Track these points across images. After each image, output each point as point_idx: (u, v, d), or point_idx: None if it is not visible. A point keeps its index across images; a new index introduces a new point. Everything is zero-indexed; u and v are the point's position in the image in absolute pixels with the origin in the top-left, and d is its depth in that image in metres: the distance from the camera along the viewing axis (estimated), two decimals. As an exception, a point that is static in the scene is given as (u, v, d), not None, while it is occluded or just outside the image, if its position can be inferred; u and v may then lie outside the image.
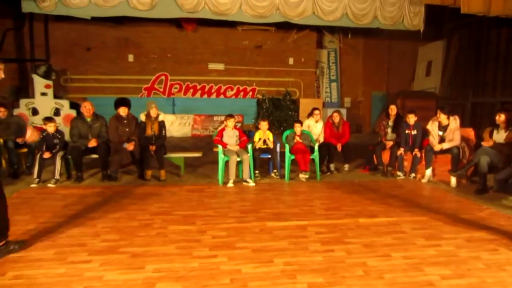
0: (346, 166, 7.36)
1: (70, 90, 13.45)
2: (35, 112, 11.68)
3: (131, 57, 13.74)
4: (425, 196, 5.70)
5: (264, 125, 6.74)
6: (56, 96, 12.16)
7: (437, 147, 6.50)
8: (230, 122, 6.55)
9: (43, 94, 11.78)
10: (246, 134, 6.97)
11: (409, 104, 12.86)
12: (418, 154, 6.70)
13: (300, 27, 13.12)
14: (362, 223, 4.34)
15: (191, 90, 13.99)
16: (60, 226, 4.16)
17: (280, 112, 13.13)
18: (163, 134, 6.69)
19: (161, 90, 13.88)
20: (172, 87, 13.92)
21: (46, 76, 11.75)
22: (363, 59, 15.37)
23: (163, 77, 13.85)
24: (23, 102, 11.71)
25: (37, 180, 6.11)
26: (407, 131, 6.86)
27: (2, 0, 9.37)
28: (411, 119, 6.82)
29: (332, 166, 7.27)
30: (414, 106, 12.50)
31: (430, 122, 6.81)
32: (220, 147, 6.42)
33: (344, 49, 15.18)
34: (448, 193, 5.89)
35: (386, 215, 4.64)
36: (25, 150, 6.92)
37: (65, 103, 11.94)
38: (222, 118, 13.36)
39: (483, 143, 5.96)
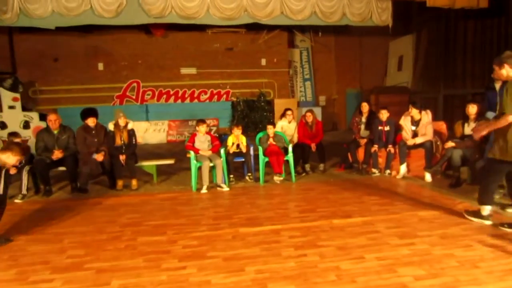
0: (321, 166, 7.34)
1: (39, 102, 13.06)
2: (3, 126, 11.32)
3: (101, 66, 13.45)
4: (400, 192, 5.70)
5: (237, 130, 6.65)
6: (25, 109, 11.82)
7: (410, 142, 6.55)
8: (202, 128, 6.45)
9: (11, 107, 11.44)
10: (219, 139, 6.87)
11: (382, 100, 13.01)
12: (392, 150, 6.73)
13: (271, 28, 13.12)
14: (336, 224, 4.30)
15: (164, 96, 13.79)
16: (24, 244, 3.97)
17: (255, 114, 13.08)
18: (133, 142, 6.53)
19: (134, 97, 13.63)
20: (144, 93, 13.69)
21: (12, 89, 11.40)
22: (335, 56, 15.48)
23: (135, 84, 13.61)
24: (-9, 116, 11.33)
25: (1, 197, 5.83)
26: (380, 128, 6.89)
27: None
28: (384, 115, 6.86)
29: (307, 166, 7.24)
30: (388, 101, 12.70)
31: (403, 117, 6.86)
32: (192, 153, 6.29)
33: (316, 48, 15.25)
34: (422, 188, 5.91)
35: (360, 214, 4.62)
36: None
37: (35, 115, 11.61)
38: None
39: (449, 143, 5.99)
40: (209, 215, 4.78)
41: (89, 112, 6.33)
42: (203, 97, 14.02)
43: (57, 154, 6.06)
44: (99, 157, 6.14)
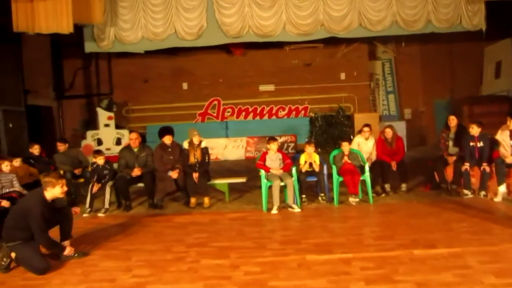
0: (404, 186, 6.70)
1: (131, 120, 14.15)
2: (99, 142, 12.46)
3: (185, 85, 14.19)
4: (498, 219, 4.89)
5: (309, 148, 6.38)
6: (118, 127, 12.91)
7: (510, 159, 5.67)
8: (273, 145, 6.29)
9: (106, 125, 12.57)
10: (291, 157, 6.66)
11: (478, 110, 11.69)
12: (487, 169, 5.89)
13: (349, 41, 12.67)
14: (417, 255, 3.79)
15: (243, 113, 14.03)
16: (97, 258, 4.16)
17: (334, 129, 12.60)
18: (206, 160, 6.61)
19: (214, 114, 14.09)
20: (224, 111, 14.08)
21: (108, 108, 12.54)
22: (421, 66, 14.38)
23: (215, 102, 14.07)
24: (89, 133, 12.59)
25: (88, 209, 6.30)
26: (471, 144, 6.10)
27: (72, 44, 10.33)
28: (474, 130, 6.05)
29: (387, 186, 6.67)
30: (484, 112, 11.38)
31: (500, 132, 6.01)
32: (262, 171, 6.17)
33: (399, 58, 14.34)
34: None
35: (447, 244, 4.02)
36: (82, 180, 7.24)
37: (125, 133, 12.55)
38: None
39: None
40: (276, 239, 4.57)
41: (166, 131, 6.58)
42: (281, 113, 13.97)
43: (136, 172, 6.38)
44: (173, 174, 6.33)
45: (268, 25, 9.65)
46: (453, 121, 6.51)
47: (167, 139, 6.52)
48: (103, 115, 12.45)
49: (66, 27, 8.09)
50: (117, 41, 9.97)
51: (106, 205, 6.33)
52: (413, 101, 14.59)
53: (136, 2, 9.55)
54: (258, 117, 13.95)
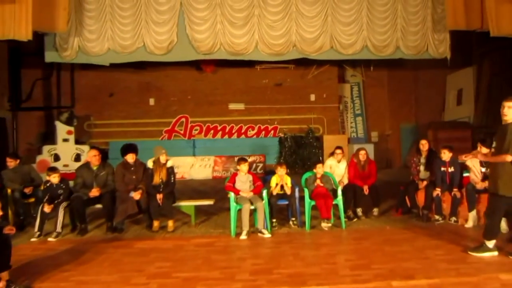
0: (376, 210, 6.58)
1: (93, 135, 13.47)
2: (57, 158, 11.68)
3: (152, 101, 13.74)
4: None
5: (281, 170, 6.14)
6: (79, 142, 12.20)
7: (481, 185, 5.67)
8: (244, 166, 6.01)
9: (65, 140, 11.84)
10: (261, 179, 6.39)
11: (442, 135, 11.99)
12: (458, 194, 5.87)
13: (320, 62, 12.73)
14: (396, 287, 3.58)
15: (212, 131, 13.71)
16: (43, 294, 3.67)
17: (304, 150, 12.53)
18: (172, 181, 6.22)
19: (182, 132, 13.68)
20: (192, 128, 13.70)
21: (68, 122, 11.85)
22: (388, 91, 14.72)
23: (183, 119, 13.68)
24: (45, 148, 11.79)
25: (37, 233, 5.73)
26: (443, 169, 6.08)
27: (32, 52, 9.70)
28: (446, 155, 6.05)
29: (359, 211, 6.52)
30: (447, 137, 11.67)
31: (470, 156, 6.02)
32: (232, 194, 5.86)
33: (367, 82, 14.61)
34: (501, 242, 4.83)
35: (425, 275, 3.85)
36: (32, 199, 6.63)
37: (86, 148, 11.84)
38: (244, 158, 12.90)
39: None
40: (246, 268, 4.24)
41: (129, 148, 6.15)
42: (251, 132, 13.76)
43: (94, 192, 5.91)
44: (136, 195, 5.89)
45: (240, 43, 9.50)
46: (425, 145, 6.49)
47: (130, 157, 6.09)
48: (62, 129, 11.73)
49: (24, 34, 7.55)
50: (81, 52, 9.46)
51: (58, 229, 5.76)
52: (380, 124, 14.83)
53: (104, 12, 9.14)
54: (226, 136, 13.67)
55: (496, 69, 12.16)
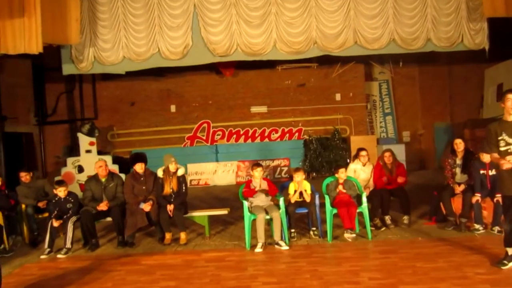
0: (406, 218, 5.95)
1: (116, 145, 13.46)
2: (80, 169, 11.67)
3: (173, 108, 13.55)
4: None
5: (298, 175, 5.66)
6: (102, 152, 12.20)
7: None
8: (257, 172, 5.57)
9: (88, 151, 11.80)
10: (279, 186, 5.94)
11: (480, 134, 11.04)
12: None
13: (345, 60, 12.12)
14: (427, 315, 3.04)
15: (234, 136, 13.33)
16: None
17: (330, 153, 11.93)
18: (183, 190, 5.88)
19: (204, 138, 13.39)
20: (214, 134, 13.39)
21: (90, 133, 11.82)
22: (420, 88, 13.84)
23: (205, 125, 13.40)
24: (69, 160, 11.81)
25: (47, 250, 5.52)
26: (482, 171, 5.40)
27: (55, 67, 9.78)
28: (486, 156, 5.36)
29: (387, 218, 5.92)
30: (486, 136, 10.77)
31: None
32: (245, 203, 5.44)
33: (397, 79, 13.81)
34: None
35: (465, 298, 3.27)
36: (46, 214, 6.46)
37: (108, 159, 11.75)
38: (268, 162, 12.49)
39: None
40: (256, 288, 3.80)
41: (137, 158, 5.88)
42: (274, 136, 13.29)
43: (101, 206, 5.66)
44: (146, 207, 5.59)
45: (257, 43, 9.11)
46: (459, 145, 5.80)
47: (139, 167, 5.80)
48: (84, 140, 11.69)
49: (35, 47, 7.46)
50: (97, 62, 9.40)
51: (68, 245, 5.52)
52: (412, 124, 13.98)
53: (117, 21, 9.01)
54: (249, 140, 13.25)
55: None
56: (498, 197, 5.16)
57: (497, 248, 4.53)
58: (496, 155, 4.02)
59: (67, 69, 9.59)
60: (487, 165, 5.38)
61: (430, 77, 13.72)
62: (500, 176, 4.12)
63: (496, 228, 5.21)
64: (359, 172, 6.20)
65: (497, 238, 5.02)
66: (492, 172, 5.34)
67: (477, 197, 5.31)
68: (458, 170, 5.80)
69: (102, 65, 9.49)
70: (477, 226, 5.31)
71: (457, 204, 5.60)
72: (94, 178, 5.96)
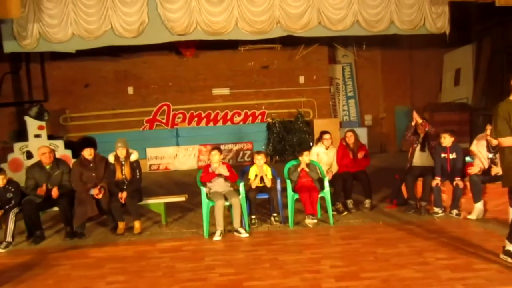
0: (367, 202, 5.88)
1: (70, 129, 12.67)
2: (29, 155, 10.87)
3: (130, 90, 12.87)
4: (479, 248, 4.02)
5: (259, 159, 5.42)
6: (53, 137, 11.44)
7: (494, 171, 4.98)
8: (215, 156, 5.28)
9: (37, 136, 11.00)
10: (240, 170, 5.69)
11: (438, 118, 11.34)
12: (461, 184, 5.19)
13: (309, 42, 11.94)
14: (389, 305, 2.92)
15: (196, 119, 12.89)
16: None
17: (293, 136, 11.81)
18: (137, 177, 5.50)
19: (164, 121, 12.87)
20: (175, 117, 12.88)
21: (38, 117, 10.99)
22: (382, 71, 13.93)
23: (165, 108, 12.85)
24: (17, 146, 10.97)
25: (-14, 244, 5.02)
26: (443, 155, 5.39)
27: None
28: (446, 140, 5.35)
29: (349, 202, 5.84)
30: (445, 120, 11.02)
31: (475, 142, 5.36)
32: (203, 189, 5.16)
33: (360, 63, 13.80)
34: None
35: (426, 286, 3.19)
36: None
37: (60, 144, 11.08)
38: (230, 146, 12.22)
39: None
40: (212, 280, 3.56)
41: (85, 143, 5.43)
42: (237, 119, 12.98)
43: (41, 191, 5.15)
44: (95, 191, 5.17)
45: (218, 22, 8.70)
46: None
47: (87, 153, 5.35)
48: (32, 124, 10.84)
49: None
50: (43, 39, 8.69)
51: (8, 238, 5.02)
52: (374, 107, 14.09)
53: (64, -6, 8.31)
54: (211, 123, 12.88)
55: (498, 46, 11.43)
56: (457, 180, 5.20)
57: (456, 232, 4.56)
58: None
59: (9, 46, 8.82)
60: (448, 149, 5.37)
61: (391, 61, 13.81)
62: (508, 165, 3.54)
63: (455, 211, 5.24)
64: (322, 155, 6.04)
65: (455, 221, 5.07)
66: (452, 156, 5.34)
67: (437, 180, 5.30)
68: (418, 147, 5.78)
69: (49, 42, 8.80)
70: (436, 209, 5.31)
71: (417, 187, 5.59)
72: (37, 165, 5.44)
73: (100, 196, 5.22)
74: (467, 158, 5.51)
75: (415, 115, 5.87)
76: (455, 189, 5.20)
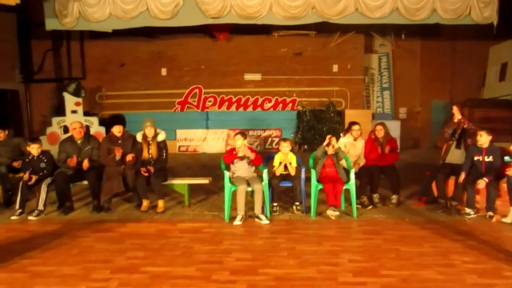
0: (394, 198, 5.69)
1: (105, 107, 13.03)
2: (66, 130, 11.29)
3: (164, 71, 13.06)
4: (511, 253, 3.80)
5: (285, 146, 5.35)
6: (89, 114, 11.84)
7: None
8: (239, 141, 5.24)
9: (74, 111, 11.44)
10: (265, 157, 5.63)
11: (478, 114, 10.77)
12: (482, 184, 4.88)
13: (344, 29, 11.59)
14: (406, 305, 2.81)
15: (226, 103, 12.92)
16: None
17: (323, 126, 11.60)
18: (163, 157, 5.57)
19: (195, 104, 12.98)
20: (206, 100, 12.97)
21: (75, 93, 11.41)
22: (421, 63, 13.38)
23: (196, 90, 12.95)
24: (55, 120, 11.47)
25: (19, 211, 5.27)
26: (477, 158, 5.10)
27: (41, 22, 9.23)
28: (483, 137, 5.05)
29: (375, 197, 5.67)
30: (485, 116, 10.47)
31: (515, 142, 5.03)
32: (226, 173, 5.15)
33: (397, 53, 13.31)
34: None
35: (447, 288, 3.04)
36: (21, 175, 6.15)
37: (94, 120, 11.46)
38: (259, 132, 12.19)
39: None
40: (228, 265, 3.56)
41: (115, 120, 5.53)
42: (267, 105, 12.89)
43: (71, 161, 5.32)
44: (128, 157, 5.30)
45: (252, 6, 8.60)
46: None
47: (117, 130, 5.48)
48: (70, 100, 11.29)
49: (11, -2, 6.94)
50: (82, 18, 8.95)
51: (40, 207, 5.26)
52: (409, 100, 13.60)
53: (104, -26, 8.44)
54: (241, 109, 12.86)
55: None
56: (486, 180, 4.90)
57: (488, 235, 4.33)
58: None
59: (51, 24, 9.14)
60: (484, 150, 5.08)
61: (432, 53, 13.23)
62: None
63: (488, 214, 4.97)
64: (350, 147, 5.88)
65: (488, 224, 4.82)
66: (488, 159, 5.04)
67: (463, 176, 5.03)
68: (453, 145, 5.52)
69: (87, 21, 9.05)
70: (468, 210, 5.06)
71: (449, 186, 5.34)
72: (69, 139, 5.62)
73: (130, 158, 5.31)
74: (507, 158, 5.18)
75: (456, 110, 5.53)
76: (488, 190, 4.92)
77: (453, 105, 5.77)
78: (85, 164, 5.37)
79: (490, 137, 5.05)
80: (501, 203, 4.94)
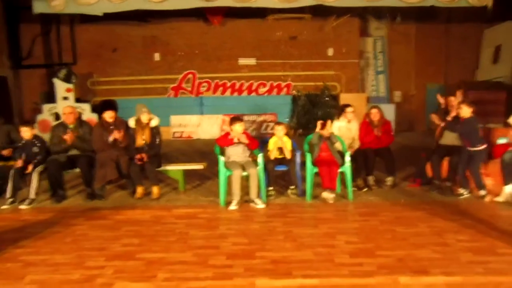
0: (389, 180, 5.69)
1: (97, 93, 12.83)
2: (57, 117, 11.14)
3: (157, 56, 12.83)
4: (504, 232, 3.81)
5: (279, 129, 5.31)
6: (81, 100, 11.65)
7: None
8: (239, 126, 5.19)
9: (65, 98, 11.24)
10: (260, 141, 5.59)
11: (472, 96, 10.73)
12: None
13: (340, 13, 11.43)
14: (404, 284, 2.81)
15: (221, 88, 12.79)
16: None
17: (318, 110, 11.54)
18: (157, 143, 5.51)
19: (189, 89, 12.84)
20: (200, 85, 12.82)
21: (66, 79, 11.20)
22: (415, 47, 13.26)
23: (190, 76, 12.79)
24: (46, 107, 11.29)
25: (10, 200, 5.20)
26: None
27: (29, 6, 8.99)
28: (464, 111, 5.11)
29: (370, 179, 5.68)
30: (479, 98, 10.44)
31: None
32: (220, 158, 5.11)
33: (393, 36, 13.17)
34: None
35: (443, 269, 3.05)
36: (11, 163, 6.06)
37: (86, 107, 11.28)
38: (253, 117, 12.11)
39: None
40: (224, 249, 3.55)
41: (106, 105, 5.48)
42: (262, 90, 12.78)
43: (69, 136, 5.26)
44: (116, 134, 5.26)
45: (246, -12, 8.42)
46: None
47: (108, 116, 5.40)
48: (61, 87, 11.08)
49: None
50: (71, 1, 8.71)
51: (32, 195, 5.20)
52: (404, 84, 13.53)
53: (93, -46, 8.21)
54: (236, 93, 12.74)
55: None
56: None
57: (482, 214, 4.36)
58: None
59: (39, 7, 8.92)
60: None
61: (426, 36, 13.11)
62: None
63: (481, 192, 5.00)
64: (344, 130, 5.86)
65: (481, 203, 4.85)
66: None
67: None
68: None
69: (77, 4, 8.84)
70: (462, 190, 5.09)
71: (444, 167, 5.35)
72: (61, 124, 5.55)
73: (118, 135, 5.28)
74: (500, 140, 5.20)
75: (459, 94, 5.62)
76: (474, 170, 4.97)
77: (456, 90, 5.79)
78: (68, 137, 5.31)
79: (471, 109, 5.06)
80: (495, 183, 4.95)
